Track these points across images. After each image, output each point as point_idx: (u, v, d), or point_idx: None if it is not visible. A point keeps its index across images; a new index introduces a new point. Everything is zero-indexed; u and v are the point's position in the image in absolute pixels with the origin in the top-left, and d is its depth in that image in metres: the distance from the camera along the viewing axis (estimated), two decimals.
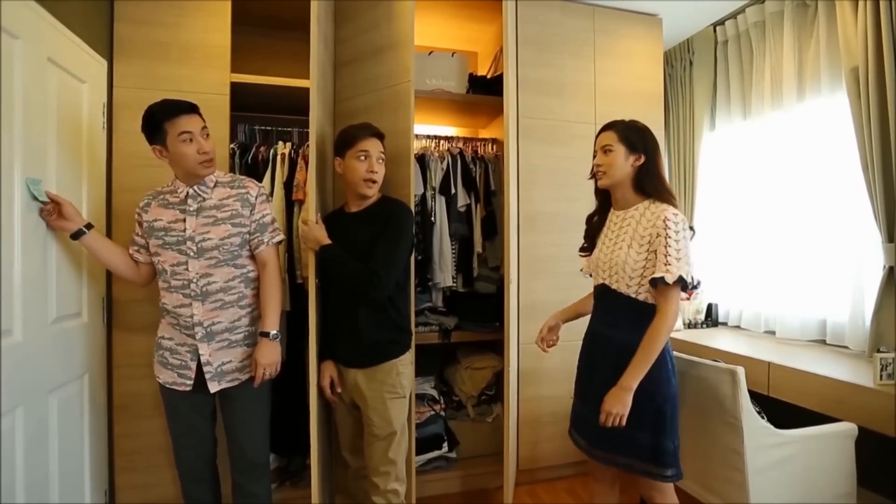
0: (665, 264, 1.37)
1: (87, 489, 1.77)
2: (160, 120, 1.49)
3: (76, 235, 1.54)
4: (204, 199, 1.59)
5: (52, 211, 1.49)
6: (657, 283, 1.38)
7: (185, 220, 1.57)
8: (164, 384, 1.62)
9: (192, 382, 1.58)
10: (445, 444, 2.42)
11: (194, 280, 1.55)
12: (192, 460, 1.67)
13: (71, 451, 1.67)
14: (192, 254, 1.55)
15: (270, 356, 1.60)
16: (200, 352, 1.56)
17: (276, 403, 1.77)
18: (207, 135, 1.57)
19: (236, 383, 1.62)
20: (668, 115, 3.14)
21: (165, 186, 1.65)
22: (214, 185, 1.62)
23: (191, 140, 1.51)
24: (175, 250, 1.56)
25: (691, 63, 3.07)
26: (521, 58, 2.48)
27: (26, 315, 1.42)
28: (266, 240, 1.65)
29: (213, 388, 1.58)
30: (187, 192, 1.58)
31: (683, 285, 1.37)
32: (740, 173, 2.88)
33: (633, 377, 1.37)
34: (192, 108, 1.54)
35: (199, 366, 1.58)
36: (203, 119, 1.57)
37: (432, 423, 2.40)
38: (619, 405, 1.37)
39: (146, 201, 1.64)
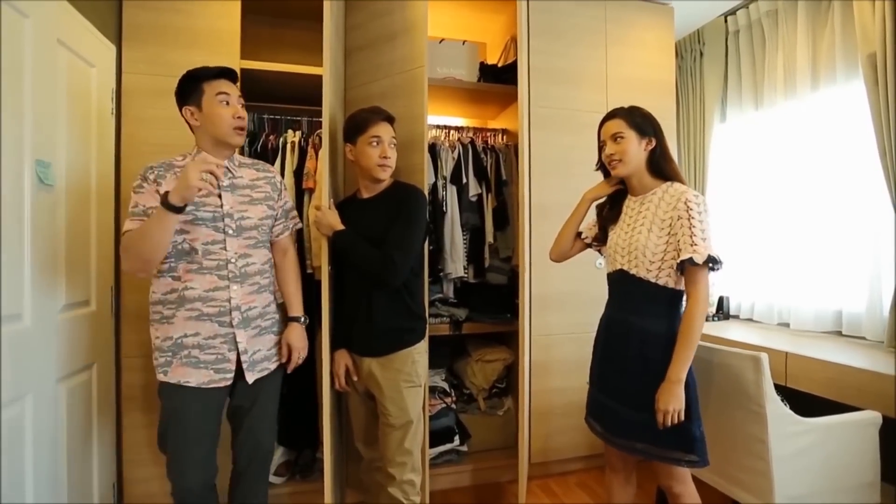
0: (691, 245, 1.33)
1: (95, 481, 1.74)
2: (199, 79, 1.42)
3: (182, 209, 1.29)
4: (234, 177, 1.51)
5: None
6: (685, 266, 1.35)
7: (220, 196, 1.45)
8: (197, 387, 1.40)
9: (232, 375, 1.44)
10: (457, 437, 2.38)
11: (232, 260, 1.44)
12: (194, 488, 1.45)
13: (79, 443, 1.64)
14: (231, 231, 1.44)
15: (304, 340, 1.61)
16: (238, 339, 1.43)
17: (285, 396, 1.71)
18: (244, 105, 1.48)
19: (266, 373, 1.52)
20: (678, 106, 3.11)
21: (179, 159, 1.47)
22: (239, 165, 1.55)
23: (227, 103, 1.43)
24: (210, 227, 1.42)
25: (702, 54, 3.04)
26: (533, 47, 2.45)
27: (35, 301, 1.39)
28: (291, 226, 1.64)
29: (251, 378, 1.47)
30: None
31: (711, 266, 1.33)
32: (752, 164, 2.85)
33: (681, 368, 1.34)
34: (233, 75, 1.48)
35: (238, 355, 1.44)
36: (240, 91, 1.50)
37: (443, 415, 2.37)
38: (673, 401, 1.32)
39: (159, 172, 1.42)
